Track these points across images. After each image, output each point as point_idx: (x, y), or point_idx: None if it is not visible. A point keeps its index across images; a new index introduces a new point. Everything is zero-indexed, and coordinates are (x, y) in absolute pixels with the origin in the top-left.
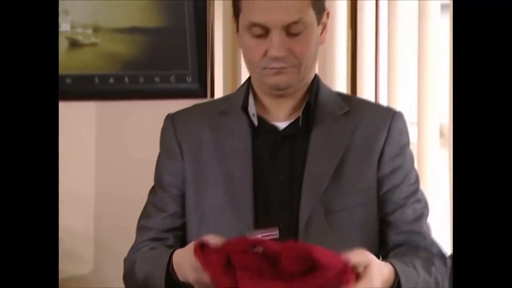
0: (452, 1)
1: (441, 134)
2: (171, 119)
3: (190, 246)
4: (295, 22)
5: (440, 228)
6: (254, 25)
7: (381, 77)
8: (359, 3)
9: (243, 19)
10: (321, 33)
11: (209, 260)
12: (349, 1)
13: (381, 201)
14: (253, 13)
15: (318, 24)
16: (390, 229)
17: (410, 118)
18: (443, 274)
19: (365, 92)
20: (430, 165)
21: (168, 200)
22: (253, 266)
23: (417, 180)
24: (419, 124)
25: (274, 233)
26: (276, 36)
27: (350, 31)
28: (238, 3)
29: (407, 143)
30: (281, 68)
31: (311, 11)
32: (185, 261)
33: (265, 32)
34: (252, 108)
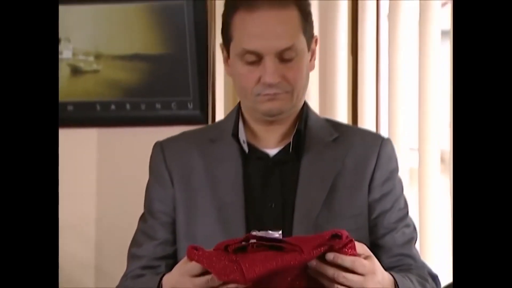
0: (452, 28)
1: (442, 160)
2: (160, 146)
3: (179, 265)
4: (288, 48)
5: (441, 253)
6: (247, 52)
7: (382, 103)
8: (360, 30)
9: (235, 47)
10: (310, 60)
11: (207, 254)
12: (350, 28)
13: (372, 225)
14: (246, 40)
15: (308, 50)
16: (382, 252)
17: (411, 144)
18: None
19: (366, 119)
20: (431, 191)
21: (159, 228)
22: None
23: (406, 205)
24: (420, 150)
25: (277, 234)
26: (269, 63)
27: (351, 58)
28: (229, 31)
29: (395, 169)
30: (275, 94)
31: (302, 37)
32: (179, 278)
33: (258, 59)
34: (242, 135)
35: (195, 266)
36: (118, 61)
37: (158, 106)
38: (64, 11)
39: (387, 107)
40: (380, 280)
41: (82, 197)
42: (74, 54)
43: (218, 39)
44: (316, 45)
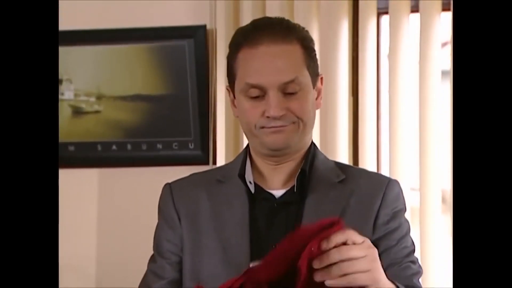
0: (452, 68)
1: (443, 200)
2: (169, 188)
3: None
4: (291, 81)
5: None
6: (250, 87)
7: (383, 143)
8: (360, 70)
9: (239, 83)
10: (317, 98)
11: None
12: (350, 68)
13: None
14: (249, 75)
15: (314, 87)
16: None
17: (412, 184)
18: None
19: (367, 159)
20: (432, 231)
21: (168, 267)
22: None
23: (412, 244)
24: (421, 190)
25: None
26: (273, 97)
27: (351, 98)
28: (233, 69)
29: (402, 209)
30: (280, 126)
31: (306, 72)
32: None
33: (262, 93)
34: (249, 176)
35: None
36: (120, 101)
37: (159, 146)
38: (65, 52)
39: (388, 147)
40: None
41: (83, 237)
42: (75, 95)
43: (219, 80)
44: (322, 84)
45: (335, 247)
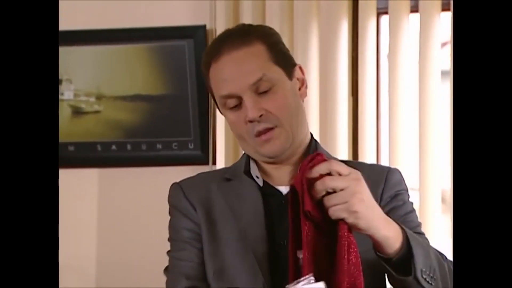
0: (452, 68)
1: (443, 200)
2: (178, 185)
3: None
4: (259, 80)
5: None
6: (225, 98)
7: (383, 144)
8: (360, 70)
9: (217, 99)
10: (300, 88)
11: None
12: (350, 68)
13: None
14: (219, 88)
15: (290, 78)
16: None
17: (412, 184)
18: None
19: (367, 158)
20: (432, 231)
21: (194, 251)
22: None
23: (419, 222)
24: (420, 191)
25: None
26: (247, 100)
27: (351, 99)
28: (210, 88)
29: (405, 191)
30: (266, 131)
31: (274, 67)
32: None
33: (239, 102)
34: (255, 171)
35: None
36: (119, 101)
37: (159, 146)
38: (65, 52)
39: (387, 147)
40: (368, 192)
41: (83, 237)
42: (75, 95)
43: None
44: (303, 73)
45: (320, 176)
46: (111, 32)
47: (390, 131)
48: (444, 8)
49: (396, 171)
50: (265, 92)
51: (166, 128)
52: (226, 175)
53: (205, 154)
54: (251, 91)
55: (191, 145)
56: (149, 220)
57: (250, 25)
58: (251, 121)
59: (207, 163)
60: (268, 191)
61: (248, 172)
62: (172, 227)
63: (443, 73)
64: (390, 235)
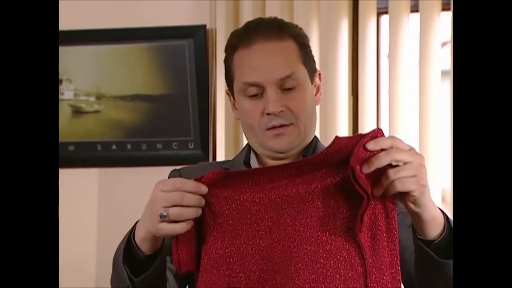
0: (452, 68)
1: (443, 199)
2: (177, 171)
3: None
4: (288, 77)
5: None
6: (248, 85)
7: None
8: (360, 70)
9: (237, 84)
10: (316, 94)
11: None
12: (350, 68)
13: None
14: (246, 74)
15: (312, 83)
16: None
17: None
18: None
19: None
20: None
21: None
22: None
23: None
24: None
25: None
26: (271, 93)
27: (351, 98)
28: (231, 71)
29: None
30: (281, 126)
31: (302, 67)
32: (149, 203)
33: (260, 91)
34: (254, 163)
35: (173, 183)
36: (119, 101)
37: (159, 146)
38: (65, 52)
39: None
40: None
41: (83, 237)
42: (75, 95)
43: (219, 80)
44: (320, 80)
45: (382, 150)
46: (111, 31)
47: (390, 130)
48: (444, 8)
49: None
50: (289, 89)
51: (166, 128)
52: (224, 165)
53: (205, 153)
54: (276, 85)
55: (191, 145)
56: None
57: (284, 21)
58: (268, 114)
59: None
60: None
61: (247, 163)
62: None
63: (443, 73)
64: (438, 215)
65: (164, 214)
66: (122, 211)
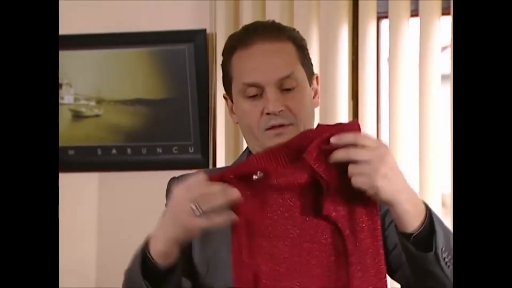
0: (452, 72)
1: (443, 204)
2: (176, 179)
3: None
4: (287, 77)
5: None
6: (247, 86)
7: None
8: (360, 74)
9: (236, 85)
10: (314, 97)
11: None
12: (350, 72)
13: (385, 236)
14: (245, 75)
15: (310, 85)
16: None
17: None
18: None
19: None
20: None
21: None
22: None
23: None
24: (421, 194)
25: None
26: (270, 93)
27: (351, 102)
28: (229, 73)
29: None
30: (280, 126)
31: (301, 68)
32: (164, 215)
33: (260, 92)
34: None
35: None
36: (120, 105)
37: (159, 150)
38: (65, 56)
39: None
40: (394, 165)
41: (83, 242)
42: (75, 99)
43: (219, 84)
44: (318, 84)
45: (345, 146)
46: (111, 36)
47: (390, 135)
48: (444, 12)
49: None
50: (288, 89)
51: (166, 132)
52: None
53: (205, 158)
54: (275, 86)
55: (191, 149)
56: (149, 224)
57: (281, 24)
58: (268, 114)
59: (207, 167)
60: None
61: None
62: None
63: (443, 77)
64: (411, 209)
65: (199, 209)
66: (122, 216)
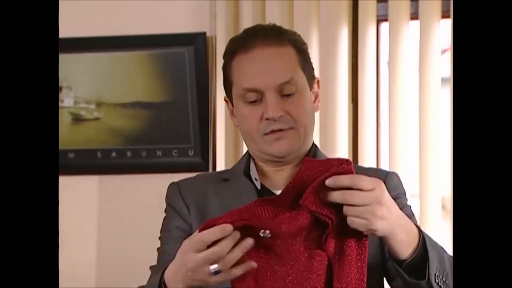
0: (452, 75)
1: (443, 206)
2: (176, 185)
3: (182, 245)
4: (287, 82)
5: None
6: (247, 91)
7: (383, 151)
8: (360, 77)
9: (236, 90)
10: (314, 101)
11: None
12: (350, 75)
13: (383, 245)
14: (245, 79)
15: (310, 89)
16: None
17: (412, 191)
18: None
19: (367, 164)
20: (432, 236)
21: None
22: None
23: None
24: (421, 197)
25: None
26: (270, 98)
27: (351, 105)
28: (229, 77)
29: (403, 193)
30: (280, 130)
31: (301, 73)
32: (179, 258)
33: (260, 97)
34: (254, 173)
35: (201, 239)
36: (119, 108)
37: (159, 153)
38: (65, 59)
39: (387, 153)
40: (389, 203)
41: (83, 244)
42: (75, 102)
43: (219, 87)
44: (319, 87)
45: (341, 188)
46: (111, 39)
47: (390, 138)
48: (444, 15)
49: (394, 174)
50: (288, 95)
51: (166, 135)
52: (224, 175)
53: (205, 161)
54: (275, 91)
55: (191, 152)
56: (149, 227)
57: (282, 27)
58: (267, 119)
59: (207, 170)
60: (265, 194)
61: (247, 174)
62: (164, 224)
63: (443, 80)
64: (404, 238)
65: (217, 269)
66: (122, 219)
